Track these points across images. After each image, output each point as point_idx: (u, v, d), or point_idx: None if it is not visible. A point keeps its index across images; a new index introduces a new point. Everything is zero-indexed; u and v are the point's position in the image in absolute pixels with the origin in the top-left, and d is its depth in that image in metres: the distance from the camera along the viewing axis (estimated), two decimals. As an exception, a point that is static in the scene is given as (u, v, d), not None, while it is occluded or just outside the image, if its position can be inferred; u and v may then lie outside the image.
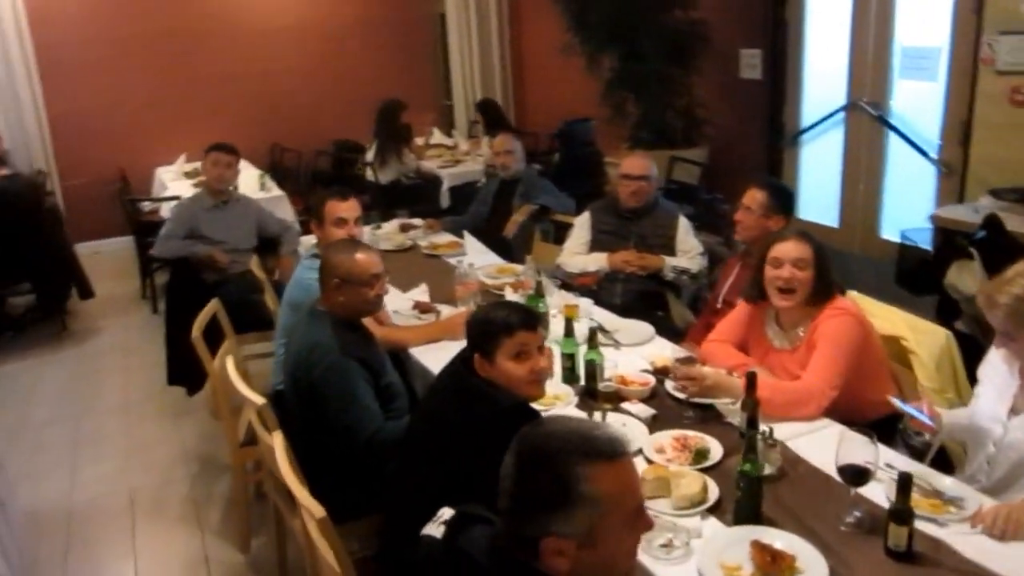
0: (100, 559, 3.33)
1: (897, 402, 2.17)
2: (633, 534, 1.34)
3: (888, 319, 2.86)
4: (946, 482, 2.03)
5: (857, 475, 1.89)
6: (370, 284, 2.63)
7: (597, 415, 2.46)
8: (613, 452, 1.29)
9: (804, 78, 5.94)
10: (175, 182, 6.93)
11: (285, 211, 6.31)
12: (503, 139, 4.94)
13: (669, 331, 3.37)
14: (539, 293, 3.16)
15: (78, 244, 7.82)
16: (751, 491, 1.90)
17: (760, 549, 1.75)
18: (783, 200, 3.25)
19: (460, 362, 2.13)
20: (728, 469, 2.15)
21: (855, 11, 5.35)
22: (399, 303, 3.54)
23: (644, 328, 3.17)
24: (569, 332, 2.73)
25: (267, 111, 8.33)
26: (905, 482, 1.75)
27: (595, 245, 4.04)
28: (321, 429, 2.50)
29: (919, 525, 1.87)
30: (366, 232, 4.58)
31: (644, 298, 3.86)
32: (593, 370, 2.60)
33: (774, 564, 1.72)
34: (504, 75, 9.26)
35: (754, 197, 3.25)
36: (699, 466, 2.16)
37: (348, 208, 3.21)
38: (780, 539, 1.83)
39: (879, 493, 1.97)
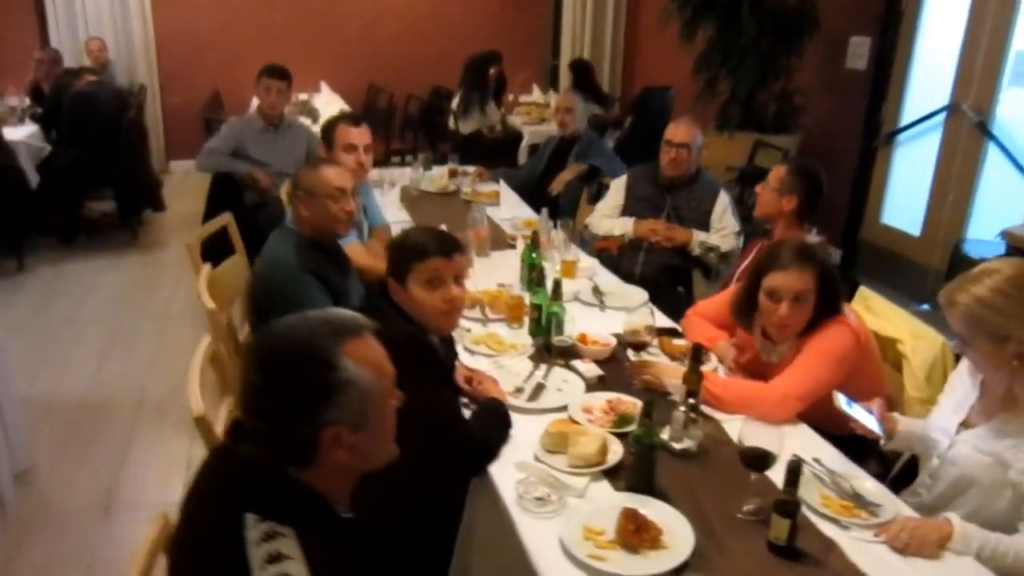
0: (92, 445, 3.54)
1: (841, 400, 2.01)
2: (390, 409, 1.34)
3: (891, 320, 2.66)
4: (867, 485, 1.89)
5: (758, 459, 1.78)
6: (333, 197, 2.62)
7: (542, 367, 2.42)
8: (356, 327, 1.29)
9: (910, 74, 5.53)
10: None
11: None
12: (565, 96, 4.87)
13: (687, 308, 3.23)
14: (535, 243, 3.10)
15: (173, 161, 8.36)
16: (642, 459, 1.82)
17: (627, 517, 1.68)
18: (804, 181, 3.05)
19: (379, 287, 2.11)
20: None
21: (973, 8, 4.92)
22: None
23: (639, 295, 3.07)
24: (540, 283, 2.67)
25: (368, 52, 8.52)
26: (794, 471, 1.63)
27: (627, 210, 3.93)
28: None
29: (821, 524, 1.77)
30: (411, 172, 4.64)
31: (667, 271, 3.75)
32: (551, 323, 2.55)
33: (635, 534, 1.65)
34: (615, 40, 9.07)
35: (776, 171, 3.08)
36: (619, 430, 2.08)
37: (359, 135, 3.23)
38: (658, 512, 1.74)
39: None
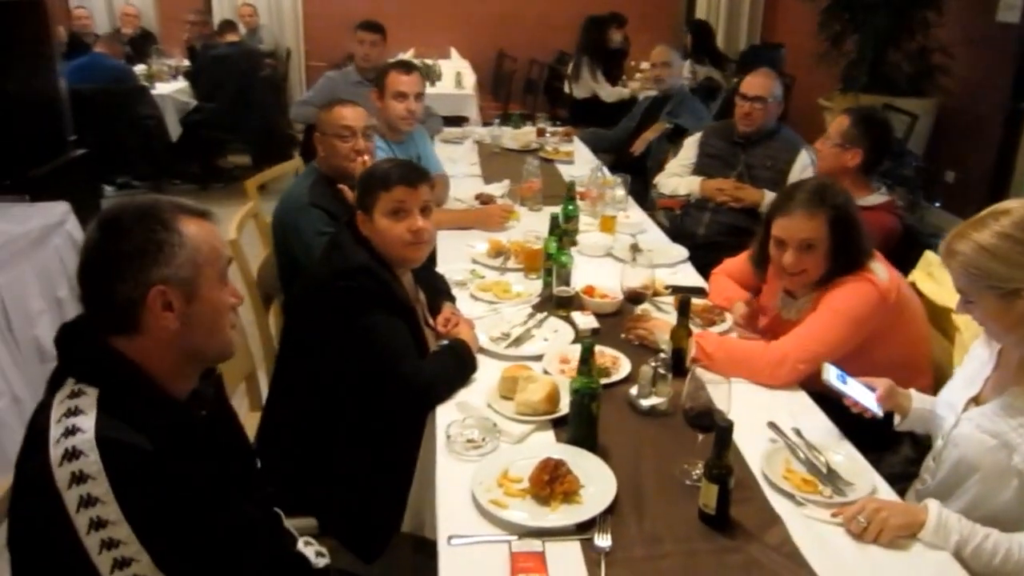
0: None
1: (831, 373, 1.73)
2: (224, 296, 1.28)
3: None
4: (843, 462, 1.61)
5: (700, 418, 1.56)
6: (341, 135, 2.57)
7: (537, 316, 2.25)
8: (202, 212, 1.27)
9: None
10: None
11: (469, 110, 6.43)
12: (660, 50, 4.57)
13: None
14: (570, 196, 2.91)
15: (316, 120, 8.65)
16: (580, 409, 1.63)
17: (542, 467, 1.51)
18: (869, 133, 2.67)
19: (347, 219, 2.02)
20: (619, 394, 1.87)
21: None
22: (464, 191, 3.45)
23: (677, 252, 2.82)
24: (554, 231, 2.49)
25: (498, 18, 8.42)
26: (723, 434, 1.40)
27: (699, 168, 3.63)
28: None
29: (774, 498, 1.53)
30: (498, 129, 4.53)
31: (733, 233, 3.42)
32: (559, 272, 2.37)
33: (547, 485, 1.48)
34: (755, 4, 8.48)
35: (838, 123, 2.73)
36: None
37: (409, 82, 3.15)
38: (587, 467, 1.56)
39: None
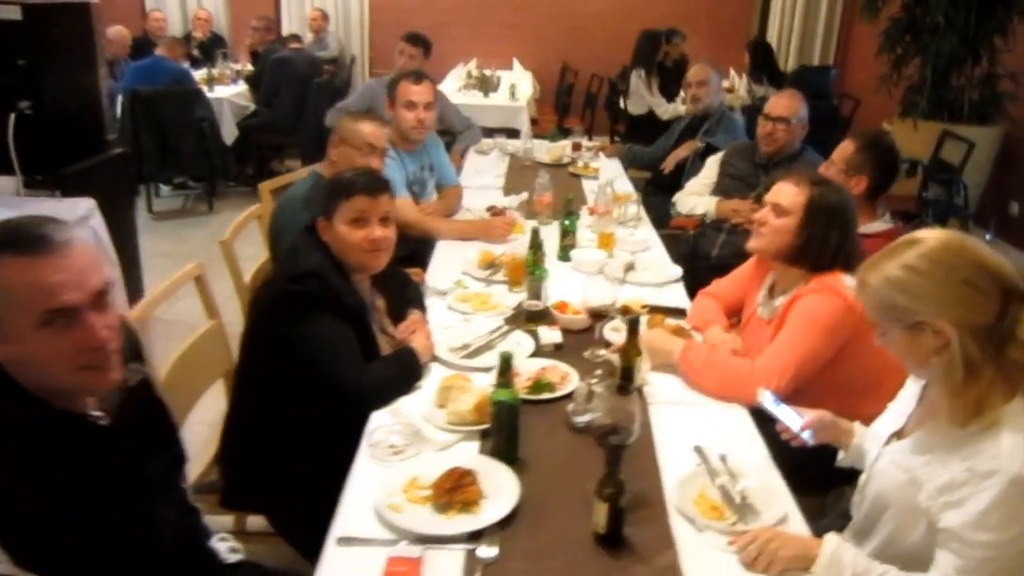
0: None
1: (767, 397, 1.73)
2: (59, 338, 1.23)
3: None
4: (753, 485, 1.60)
5: (606, 435, 1.57)
6: (361, 150, 2.68)
7: (504, 328, 2.30)
8: (31, 246, 1.21)
9: None
10: (447, 82, 7.43)
11: (521, 122, 6.52)
12: (698, 69, 4.54)
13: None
14: (569, 211, 2.94)
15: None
16: (499, 422, 1.67)
17: (447, 475, 1.56)
18: (874, 158, 2.63)
19: (310, 224, 2.10)
20: (560, 409, 1.90)
21: None
22: (482, 202, 3.53)
23: (671, 272, 2.82)
24: (535, 246, 2.52)
25: (563, 32, 8.49)
26: (614, 453, 1.42)
27: (719, 188, 3.62)
28: None
29: (677, 522, 1.54)
30: (530, 142, 4.59)
31: (746, 256, 3.38)
32: (531, 286, 2.41)
33: (447, 493, 1.53)
34: (829, 19, 8.29)
35: (842, 148, 2.69)
36: (534, 397, 1.93)
37: (419, 92, 3.24)
38: (496, 478, 1.60)
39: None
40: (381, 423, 1.81)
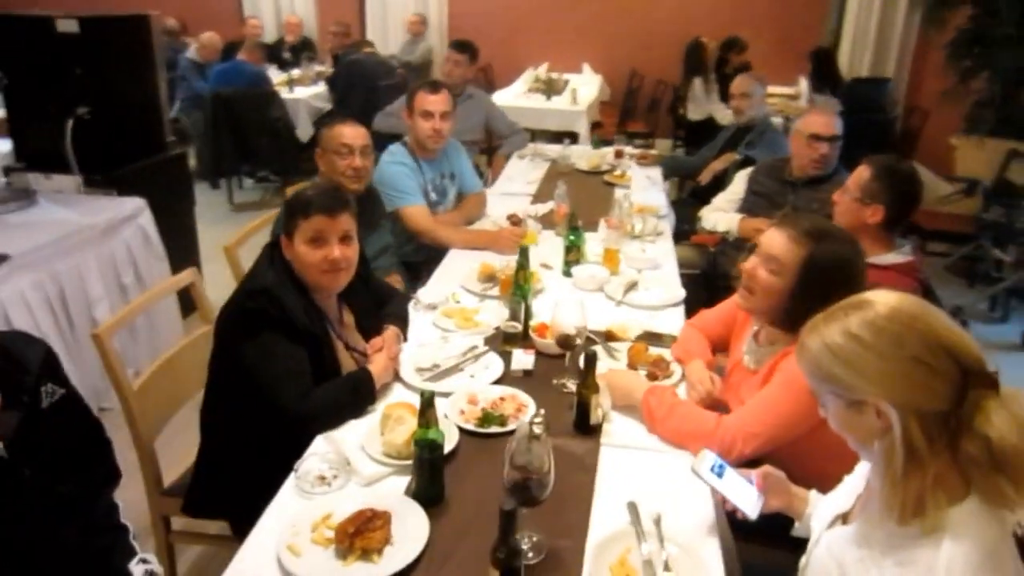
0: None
1: (705, 461, 1.49)
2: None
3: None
4: (676, 554, 1.38)
5: (519, 489, 1.39)
6: (339, 152, 2.58)
7: (478, 350, 2.13)
8: None
9: None
10: (514, 86, 7.25)
11: (579, 126, 6.28)
12: (742, 80, 4.22)
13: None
14: (571, 225, 2.74)
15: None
16: (419, 463, 1.51)
17: (354, 518, 1.41)
18: (892, 187, 2.31)
19: (272, 242, 1.98)
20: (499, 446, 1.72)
21: None
22: (508, 210, 3.35)
23: (675, 295, 2.58)
24: (521, 264, 2.32)
25: (632, 38, 8.14)
26: (507, 519, 1.24)
27: (745, 205, 3.33)
28: None
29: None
30: (571, 149, 4.38)
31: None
32: (512, 306, 2.23)
33: (348, 537, 1.38)
34: (906, 32, 7.65)
35: (858, 174, 2.38)
36: (479, 429, 1.77)
37: (436, 101, 3.08)
38: (410, 524, 1.44)
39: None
40: (315, 450, 1.68)
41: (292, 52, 8.08)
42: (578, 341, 2.00)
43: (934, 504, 1.09)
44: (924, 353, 1.10)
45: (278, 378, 1.74)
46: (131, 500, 2.10)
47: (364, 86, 6.41)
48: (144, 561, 1.52)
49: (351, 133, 2.62)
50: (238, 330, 1.79)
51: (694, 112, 6.41)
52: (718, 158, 4.18)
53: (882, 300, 1.16)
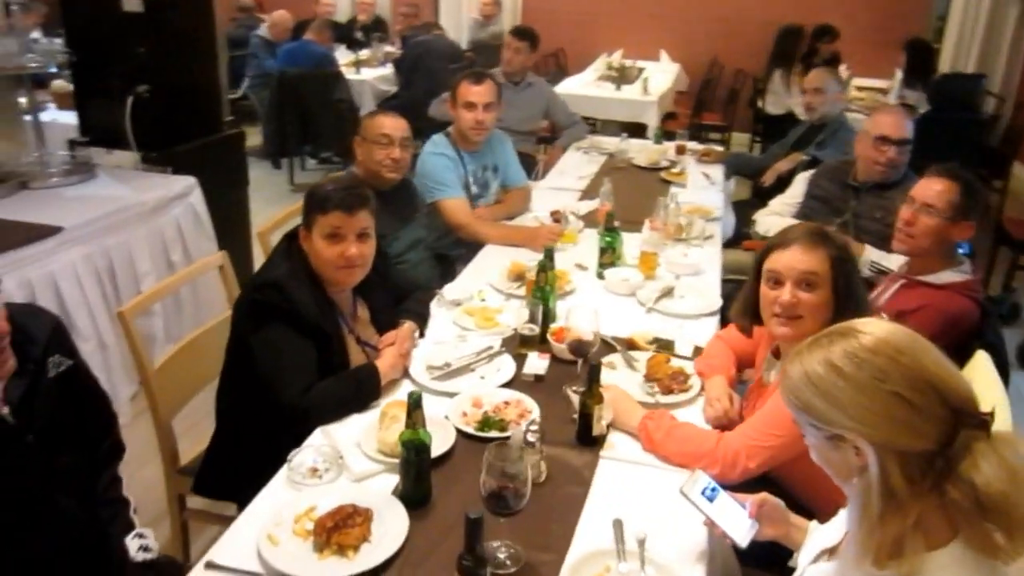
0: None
1: (697, 482, 1.48)
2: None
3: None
4: None
5: (500, 501, 1.41)
6: (379, 143, 2.64)
7: (493, 351, 2.16)
8: None
9: None
10: (584, 74, 7.22)
11: (649, 117, 6.21)
12: (816, 74, 4.11)
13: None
14: (608, 227, 2.73)
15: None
16: (405, 464, 1.56)
17: (334, 513, 1.47)
18: (979, 199, 2.27)
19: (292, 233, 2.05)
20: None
21: None
22: (554, 205, 3.36)
23: (709, 304, 2.55)
24: (543, 266, 2.31)
25: (713, 24, 7.98)
26: (472, 527, 1.27)
27: (802, 210, 3.25)
28: None
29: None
30: (629, 143, 4.36)
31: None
32: (532, 308, 2.25)
33: (326, 532, 1.43)
34: (1020, 26, 7.23)
35: (938, 190, 2.27)
36: (479, 433, 1.80)
37: (479, 92, 3.11)
38: (391, 523, 1.49)
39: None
40: (312, 442, 1.74)
41: (363, 32, 8.24)
42: (591, 348, 2.01)
43: (913, 548, 1.07)
44: (907, 390, 1.07)
45: (281, 370, 1.81)
46: (151, 477, 2.25)
47: (429, 69, 6.50)
48: (140, 536, 1.62)
49: (392, 124, 2.67)
50: (248, 320, 1.88)
51: (773, 106, 6.26)
52: (786, 157, 4.07)
53: (869, 330, 1.14)
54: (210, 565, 1.41)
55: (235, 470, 1.98)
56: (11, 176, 3.37)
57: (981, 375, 1.96)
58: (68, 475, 1.53)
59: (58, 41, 3.66)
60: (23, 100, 3.70)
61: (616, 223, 2.80)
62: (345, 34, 8.01)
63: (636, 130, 5.84)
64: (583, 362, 2.02)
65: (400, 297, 2.29)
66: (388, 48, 7.58)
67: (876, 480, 1.08)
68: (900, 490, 1.07)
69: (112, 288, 3.21)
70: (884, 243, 2.93)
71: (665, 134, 4.73)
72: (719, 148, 4.48)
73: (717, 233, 3.24)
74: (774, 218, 3.28)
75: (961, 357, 2.03)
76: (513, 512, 1.41)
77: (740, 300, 1.98)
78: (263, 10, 8.25)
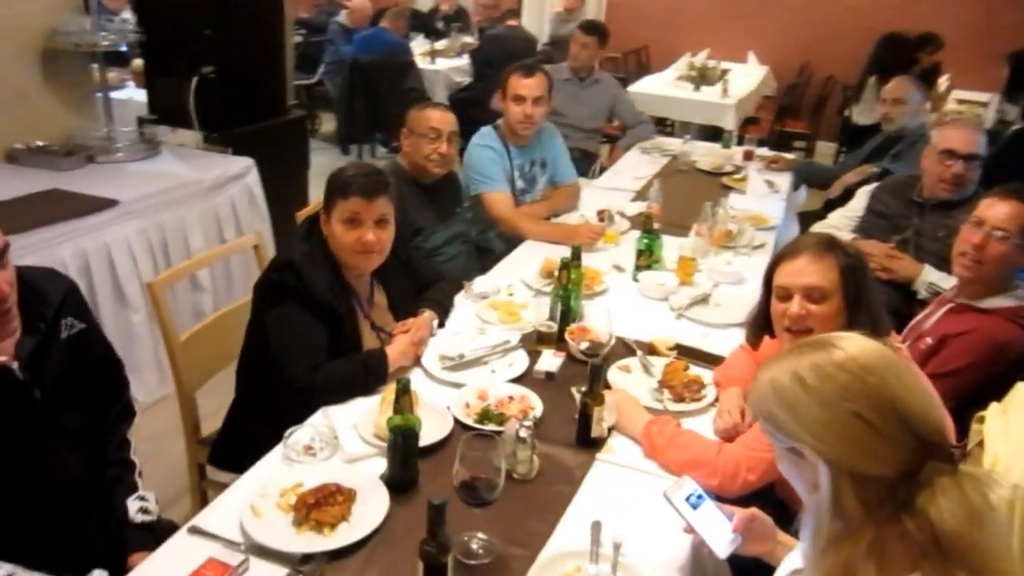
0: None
1: (682, 489, 1.49)
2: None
3: (1016, 439, 1.80)
4: None
5: (469, 490, 1.46)
6: (427, 136, 2.69)
7: (509, 345, 2.21)
8: None
9: None
10: (665, 73, 7.16)
11: (726, 121, 6.13)
12: (897, 84, 3.98)
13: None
14: (647, 229, 2.73)
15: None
16: (393, 449, 1.61)
17: (317, 490, 1.54)
18: None
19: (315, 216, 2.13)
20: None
21: None
22: (606, 204, 3.37)
23: (739, 314, 2.52)
24: (566, 265, 2.33)
25: (807, 28, 7.77)
26: (435, 513, 1.31)
27: (861, 225, 3.17)
28: None
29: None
30: (693, 145, 4.33)
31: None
32: (552, 306, 2.28)
33: (307, 508, 1.51)
34: None
35: (1010, 213, 2.20)
36: (478, 426, 1.84)
37: (529, 86, 3.15)
38: (371, 505, 1.55)
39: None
40: (313, 421, 1.82)
41: (445, 22, 8.39)
42: (603, 349, 2.03)
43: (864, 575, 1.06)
44: (869, 411, 1.06)
45: (289, 349, 1.90)
46: (179, 450, 2.37)
47: (502, 62, 6.56)
48: (142, 499, 1.72)
49: (440, 118, 2.73)
50: (264, 299, 1.98)
51: (861, 115, 6.07)
52: (856, 169, 3.97)
53: (844, 346, 1.13)
54: (193, 530, 1.50)
55: (245, 444, 2.07)
56: (80, 149, 3.60)
57: (1019, 409, 1.89)
58: (73, 433, 1.63)
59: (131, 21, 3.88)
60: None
61: (656, 225, 2.80)
62: (426, 23, 8.18)
63: (714, 134, 5.78)
64: (593, 363, 2.03)
65: (424, 286, 2.35)
66: (467, 39, 7.70)
67: (828, 499, 1.07)
68: (853, 513, 1.06)
69: (164, 261, 3.40)
70: (946, 264, 2.83)
71: (740, 138, 4.67)
72: (790, 156, 4.38)
73: (770, 243, 3.19)
74: (831, 231, 3.21)
75: (1004, 388, 1.97)
76: (486, 503, 1.45)
77: (752, 312, 1.97)
78: (348, -3, 8.50)
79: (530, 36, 7.03)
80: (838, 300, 1.74)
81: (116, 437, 1.78)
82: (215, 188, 3.63)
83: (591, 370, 1.80)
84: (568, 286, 2.27)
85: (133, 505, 1.70)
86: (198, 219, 3.53)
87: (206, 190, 3.58)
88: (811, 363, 1.12)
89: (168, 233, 3.40)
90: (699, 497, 1.49)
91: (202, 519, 1.53)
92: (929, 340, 2.31)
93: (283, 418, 1.90)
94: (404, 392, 1.58)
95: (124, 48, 3.93)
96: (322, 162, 4.66)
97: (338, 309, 1.99)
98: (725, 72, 6.89)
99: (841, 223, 3.24)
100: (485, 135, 3.25)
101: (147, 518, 1.71)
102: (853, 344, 1.14)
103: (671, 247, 2.85)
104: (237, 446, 2.11)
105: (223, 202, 3.68)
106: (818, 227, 3.32)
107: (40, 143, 3.59)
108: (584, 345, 2.09)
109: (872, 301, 1.76)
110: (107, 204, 3.13)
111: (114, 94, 4.08)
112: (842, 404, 1.07)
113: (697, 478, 1.65)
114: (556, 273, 2.32)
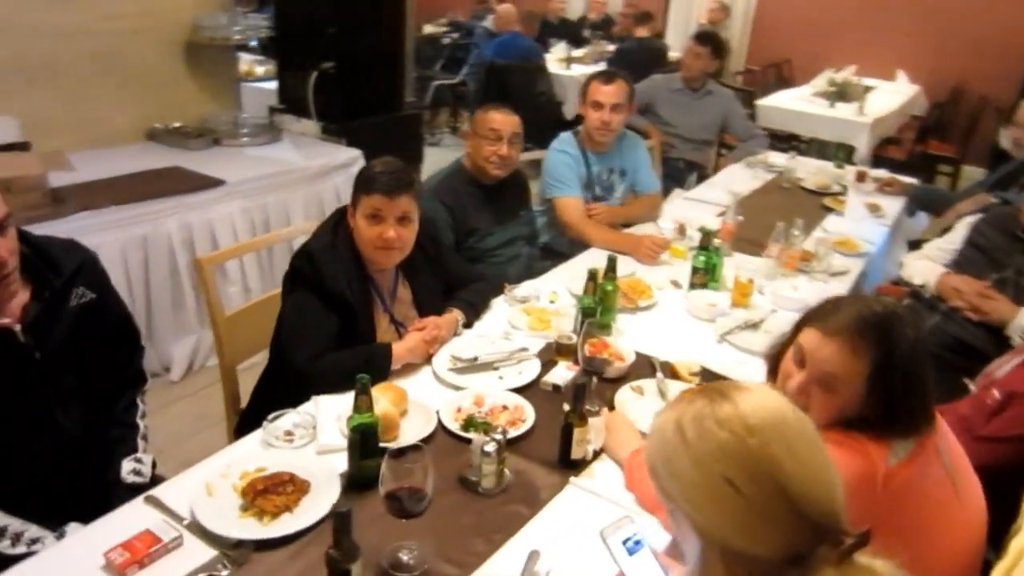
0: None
1: (620, 532, 1.30)
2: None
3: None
4: None
5: (396, 502, 1.33)
6: (487, 138, 2.58)
7: (525, 353, 2.06)
8: None
9: None
10: (803, 88, 6.65)
11: (859, 140, 5.60)
12: (1033, 107, 3.44)
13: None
14: (704, 246, 2.48)
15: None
16: (353, 446, 1.52)
17: (269, 477, 1.47)
18: None
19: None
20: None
21: None
22: (692, 217, 3.14)
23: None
24: (593, 277, 2.15)
25: (964, 46, 6.95)
26: (340, 521, 1.20)
27: (958, 258, 2.75)
28: None
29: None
30: (798, 162, 3.96)
31: (959, 350, 2.55)
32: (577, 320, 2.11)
33: (255, 494, 1.44)
34: None
35: None
36: (463, 433, 1.72)
37: (607, 92, 2.94)
38: (321, 498, 1.47)
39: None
40: (303, 407, 1.76)
41: (592, 30, 8.22)
42: (606, 366, 1.84)
43: None
44: (741, 478, 0.86)
45: (296, 334, 1.85)
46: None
47: (630, 73, 6.33)
48: (138, 460, 1.72)
49: (502, 120, 2.62)
50: (285, 284, 1.94)
51: (1007, 140, 5.34)
52: (972, 197, 3.47)
53: (737, 398, 0.92)
54: (148, 500, 1.47)
55: (260, 423, 2.06)
56: (208, 132, 3.77)
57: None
58: (70, 394, 1.64)
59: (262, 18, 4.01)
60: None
61: (723, 243, 2.55)
62: (572, 31, 8.04)
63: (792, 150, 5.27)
64: (597, 379, 1.85)
65: (456, 285, 2.25)
66: (609, 47, 7.49)
67: (698, 573, 0.87)
68: None
69: (264, 239, 3.49)
70: (1050, 309, 2.41)
71: (848, 158, 4.23)
72: (906, 179, 3.90)
73: (854, 271, 2.84)
74: (924, 263, 2.81)
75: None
76: (414, 514, 1.33)
77: (774, 346, 1.70)
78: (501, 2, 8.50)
79: (661, 47, 6.73)
80: (853, 398, 1.37)
81: (124, 401, 1.79)
82: (321, 175, 3.69)
83: (575, 388, 1.63)
84: (595, 297, 2.09)
85: (127, 465, 1.71)
86: (302, 203, 3.59)
87: (311, 176, 3.64)
88: (695, 414, 0.93)
89: (271, 214, 3.48)
90: (637, 543, 1.29)
91: (162, 490, 1.50)
92: (996, 394, 1.93)
93: (300, 399, 1.86)
94: (363, 391, 1.49)
95: (254, 43, 4.07)
96: (448, 159, 4.66)
97: (352, 300, 1.92)
98: (868, 89, 6.30)
99: (936, 255, 2.82)
100: (563, 140, 3.10)
101: (138, 479, 1.70)
102: (747, 399, 0.93)
103: (745, 267, 2.59)
104: (254, 424, 2.09)
105: (327, 188, 3.73)
106: (910, 257, 2.91)
107: (176, 125, 3.78)
108: (589, 360, 1.90)
109: (903, 401, 1.35)
110: (214, 183, 3.24)
111: (260, 84, 4.25)
112: (715, 466, 0.88)
113: (663, 518, 1.45)
114: (585, 283, 2.15)
